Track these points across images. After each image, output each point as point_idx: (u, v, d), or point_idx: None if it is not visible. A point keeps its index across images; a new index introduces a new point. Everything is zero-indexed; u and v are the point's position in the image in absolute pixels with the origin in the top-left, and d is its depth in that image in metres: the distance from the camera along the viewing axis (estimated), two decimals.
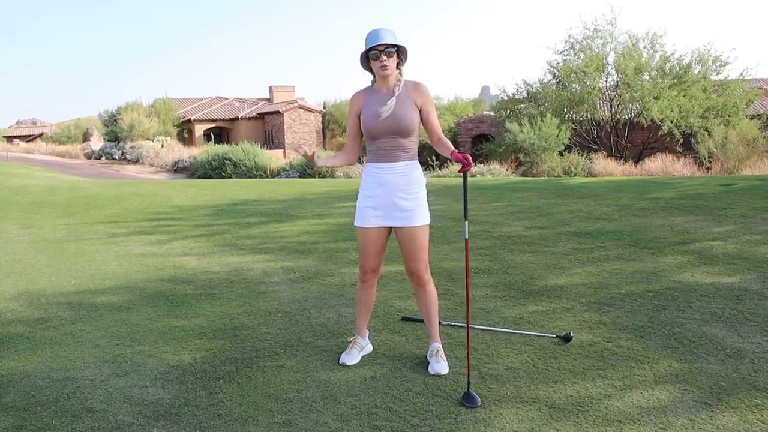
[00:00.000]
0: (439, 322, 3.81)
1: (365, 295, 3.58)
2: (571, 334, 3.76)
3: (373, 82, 3.36)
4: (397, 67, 3.27)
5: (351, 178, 21.74)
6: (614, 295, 4.53)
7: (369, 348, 3.66)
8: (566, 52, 27.41)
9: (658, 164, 19.46)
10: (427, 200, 3.42)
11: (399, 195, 3.31)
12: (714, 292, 4.51)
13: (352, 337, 3.67)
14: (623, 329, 3.89)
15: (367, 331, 3.71)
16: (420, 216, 3.34)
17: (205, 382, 3.32)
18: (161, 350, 3.78)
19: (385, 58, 3.19)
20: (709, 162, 20.27)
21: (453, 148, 3.26)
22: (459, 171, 3.20)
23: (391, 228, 3.40)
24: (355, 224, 3.46)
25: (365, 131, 3.34)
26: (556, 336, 3.82)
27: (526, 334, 3.88)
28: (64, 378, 3.42)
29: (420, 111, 3.32)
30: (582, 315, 4.18)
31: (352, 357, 3.52)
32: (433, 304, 3.48)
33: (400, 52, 3.26)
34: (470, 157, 3.16)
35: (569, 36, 30.31)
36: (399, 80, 3.30)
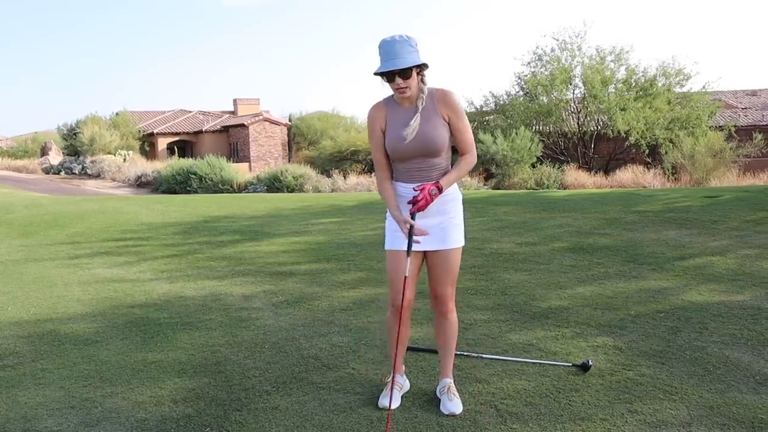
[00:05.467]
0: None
1: (402, 330, 3.12)
2: (590, 363, 3.47)
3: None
4: (418, 74, 2.85)
5: (320, 192, 21.36)
6: (624, 317, 4.27)
7: (407, 386, 3.27)
8: (534, 64, 27.68)
9: (628, 175, 19.61)
10: (463, 218, 3.08)
11: (433, 216, 2.96)
12: (726, 312, 4.29)
13: (389, 377, 3.22)
14: (642, 355, 3.63)
15: (403, 367, 3.31)
16: (455, 237, 3.01)
17: (190, 431, 2.91)
18: (136, 392, 3.35)
19: (401, 81, 2.78)
20: (673, 173, 20.55)
21: (440, 181, 2.89)
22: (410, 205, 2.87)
23: (424, 251, 3.03)
24: (386, 248, 3.06)
25: (391, 153, 2.96)
26: (573, 365, 3.52)
27: (540, 363, 3.57)
28: (24, 429, 2.96)
29: (449, 124, 2.93)
30: (594, 339, 3.90)
31: (393, 399, 3.07)
32: (453, 336, 3.15)
33: (420, 65, 2.83)
34: (426, 201, 2.82)
35: (537, 47, 30.61)
36: (422, 91, 2.89)
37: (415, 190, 2.87)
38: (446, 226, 2.99)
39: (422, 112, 2.88)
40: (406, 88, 2.80)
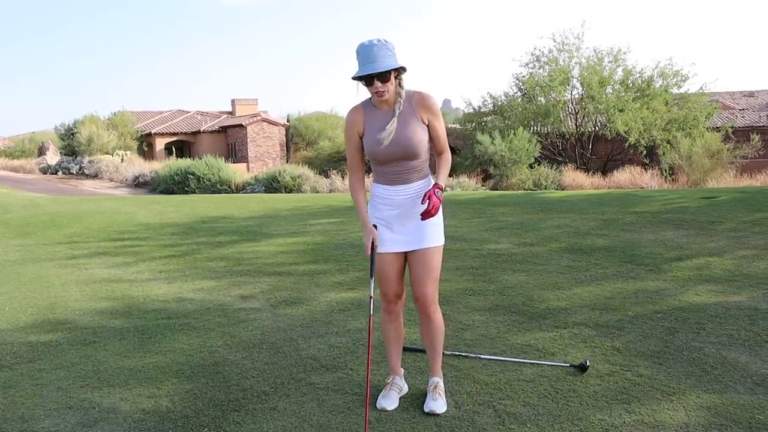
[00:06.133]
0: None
1: (394, 329, 3.18)
2: (587, 363, 3.47)
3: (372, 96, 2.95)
4: (395, 78, 2.85)
5: (318, 192, 21.36)
6: (622, 318, 4.27)
7: (405, 388, 3.27)
8: (532, 65, 27.71)
9: (626, 176, 19.64)
10: (443, 218, 3.10)
11: (413, 216, 2.97)
12: (724, 312, 4.29)
13: (389, 379, 3.25)
14: (639, 356, 3.63)
15: (403, 370, 3.33)
16: (433, 237, 3.01)
17: (188, 431, 2.91)
18: (134, 393, 3.35)
19: (379, 84, 2.78)
20: (671, 174, 20.58)
21: (439, 182, 2.90)
22: (420, 214, 2.86)
23: (405, 252, 3.07)
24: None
25: (370, 157, 2.98)
26: (571, 366, 3.52)
27: (538, 363, 3.57)
28: (21, 430, 2.96)
29: (428, 127, 2.96)
30: (592, 340, 3.90)
31: (391, 400, 3.12)
32: (438, 336, 3.15)
33: (398, 69, 2.83)
34: (436, 206, 2.81)
35: (535, 48, 30.67)
36: (400, 94, 2.89)
37: (423, 203, 2.85)
38: (425, 225, 2.99)
39: (400, 116, 2.89)
40: (384, 91, 2.81)
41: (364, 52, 2.76)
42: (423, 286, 3.04)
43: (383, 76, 2.77)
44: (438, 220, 3.04)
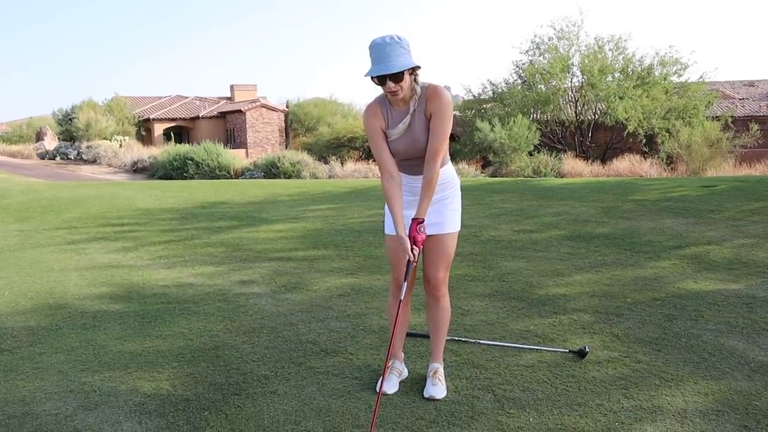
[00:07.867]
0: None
1: (402, 314, 3.13)
2: (586, 349, 3.49)
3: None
4: (410, 75, 2.76)
5: (317, 178, 21.33)
6: (621, 305, 4.29)
7: (405, 373, 3.28)
8: (531, 52, 27.60)
9: (625, 164, 19.63)
10: (462, 204, 3.11)
11: (431, 201, 2.92)
12: (722, 300, 4.31)
13: (390, 363, 3.22)
14: (638, 342, 3.65)
15: (403, 354, 3.34)
16: (450, 222, 3.03)
17: (189, 414, 2.92)
18: (134, 376, 3.36)
19: (392, 84, 2.71)
20: (669, 163, 20.57)
21: (419, 215, 2.83)
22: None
23: None
24: (385, 232, 3.10)
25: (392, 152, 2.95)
26: (570, 351, 3.54)
27: (537, 349, 3.59)
28: (23, 413, 2.97)
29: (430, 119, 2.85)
30: (591, 327, 3.92)
31: (392, 384, 3.12)
32: (444, 321, 3.16)
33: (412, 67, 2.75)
34: (419, 240, 2.80)
35: (535, 36, 30.52)
36: (416, 91, 2.81)
37: (409, 237, 2.82)
38: (443, 210, 3.00)
39: (414, 114, 2.84)
40: (398, 91, 2.74)
41: (377, 50, 2.68)
42: (436, 269, 3.05)
43: (396, 77, 2.69)
44: (456, 206, 3.05)
